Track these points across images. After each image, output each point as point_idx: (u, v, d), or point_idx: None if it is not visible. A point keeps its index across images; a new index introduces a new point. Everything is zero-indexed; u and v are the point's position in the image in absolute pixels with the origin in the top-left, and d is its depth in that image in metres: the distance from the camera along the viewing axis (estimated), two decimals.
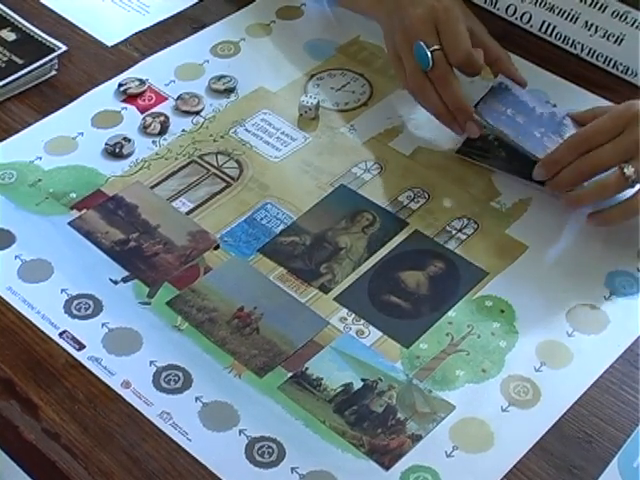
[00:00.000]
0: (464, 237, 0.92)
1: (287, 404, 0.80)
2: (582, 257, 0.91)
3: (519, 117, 0.96)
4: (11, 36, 1.09)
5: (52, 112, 1.03)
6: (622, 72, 1.07)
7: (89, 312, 0.86)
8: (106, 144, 0.99)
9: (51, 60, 1.06)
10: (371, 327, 0.85)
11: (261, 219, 0.93)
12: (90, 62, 1.08)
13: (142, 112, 1.03)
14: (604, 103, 1.01)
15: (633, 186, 0.89)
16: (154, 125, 1.01)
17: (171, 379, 0.81)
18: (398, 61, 0.98)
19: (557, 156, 0.92)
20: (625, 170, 0.88)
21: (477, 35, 0.99)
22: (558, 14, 1.10)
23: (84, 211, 0.94)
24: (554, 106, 1.02)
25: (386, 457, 0.77)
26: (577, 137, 0.92)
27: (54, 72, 1.06)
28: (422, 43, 0.94)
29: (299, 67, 1.09)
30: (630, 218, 0.91)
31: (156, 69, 1.07)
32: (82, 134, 1.01)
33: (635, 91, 1.05)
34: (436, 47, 0.94)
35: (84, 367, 0.82)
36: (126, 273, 0.89)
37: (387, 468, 0.77)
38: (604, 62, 1.08)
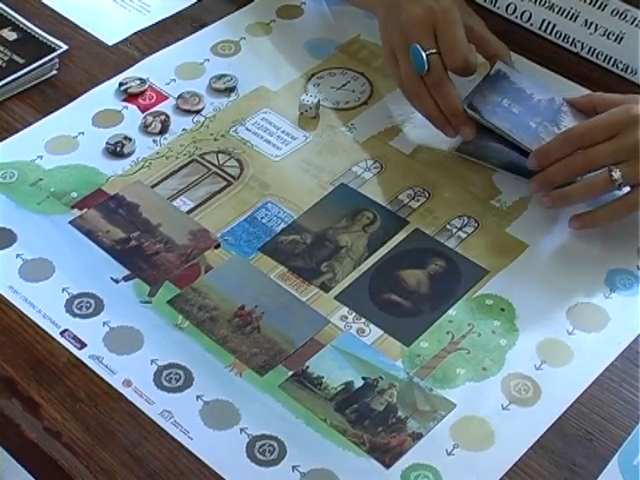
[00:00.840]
0: (464, 235, 0.93)
1: (288, 402, 0.80)
2: (582, 255, 0.91)
3: (515, 107, 0.96)
4: (12, 35, 1.09)
5: (53, 111, 1.03)
6: (622, 70, 1.07)
7: (90, 311, 0.86)
8: (107, 143, 0.99)
9: (52, 59, 1.06)
10: (372, 325, 0.85)
11: (262, 218, 0.93)
12: (91, 61, 1.08)
13: (143, 111, 1.03)
14: None
15: (620, 189, 0.89)
16: (155, 124, 1.02)
17: (172, 378, 0.81)
18: (394, 60, 0.98)
19: (550, 148, 0.92)
20: (613, 173, 0.88)
21: (476, 31, 0.99)
22: (558, 12, 1.10)
23: (85, 210, 0.94)
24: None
25: (387, 455, 0.77)
26: (573, 132, 0.92)
27: (55, 71, 1.06)
28: (418, 46, 0.94)
29: (299, 66, 1.09)
30: (616, 220, 0.91)
31: (156, 68, 1.08)
32: (83, 133, 1.01)
33: (635, 89, 1.05)
34: (432, 51, 0.94)
35: (85, 366, 0.82)
36: (127, 272, 0.89)
37: (388, 466, 0.77)
38: (604, 60, 1.08)
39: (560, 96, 0.98)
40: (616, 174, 0.88)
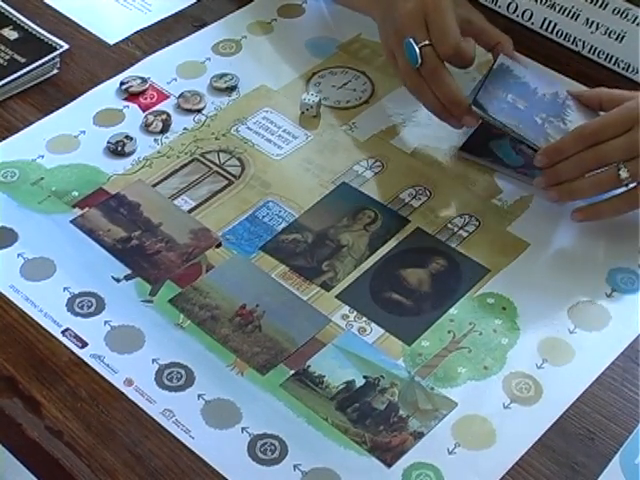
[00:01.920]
0: (465, 234, 0.93)
1: (289, 401, 0.80)
2: (583, 254, 0.91)
3: (520, 102, 0.95)
4: (13, 35, 1.09)
5: (54, 110, 1.03)
6: (623, 69, 1.07)
7: (91, 310, 0.86)
8: (108, 142, 0.99)
9: (53, 59, 1.06)
10: (373, 324, 0.85)
11: (263, 217, 0.93)
12: (92, 60, 1.08)
13: (144, 110, 1.03)
14: None
15: (627, 186, 0.89)
16: (156, 123, 1.02)
17: (173, 377, 0.81)
18: (394, 59, 0.98)
19: (561, 146, 0.91)
20: (620, 172, 0.88)
21: (475, 23, 0.98)
22: (559, 11, 1.10)
23: (86, 209, 0.94)
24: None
25: (388, 454, 0.77)
26: (585, 130, 0.90)
27: (56, 71, 1.06)
28: (411, 40, 0.93)
29: (300, 65, 1.09)
30: (619, 214, 0.91)
31: (158, 67, 1.08)
32: (84, 132, 1.01)
33: (636, 88, 1.05)
34: (425, 42, 0.93)
35: (87, 365, 0.82)
36: (128, 271, 0.89)
37: (389, 465, 0.77)
38: (605, 59, 1.08)
39: (564, 89, 0.98)
40: (624, 173, 0.88)
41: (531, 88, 0.97)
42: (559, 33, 1.11)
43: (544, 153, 0.91)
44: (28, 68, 1.04)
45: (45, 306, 0.86)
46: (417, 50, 0.93)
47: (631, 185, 0.89)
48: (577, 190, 0.91)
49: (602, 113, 0.96)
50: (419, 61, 0.93)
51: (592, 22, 1.08)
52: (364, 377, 0.82)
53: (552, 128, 0.94)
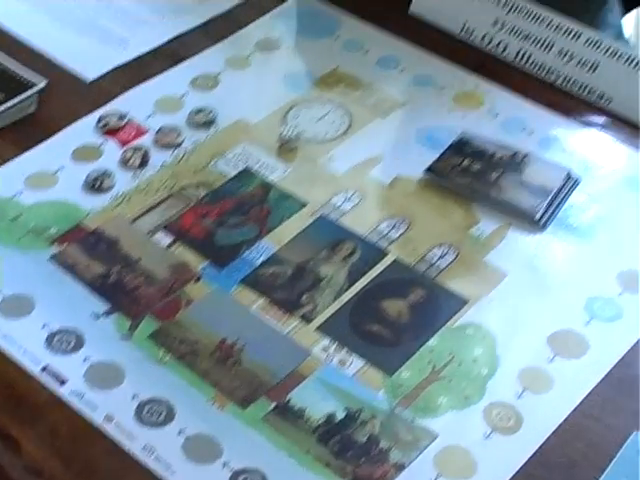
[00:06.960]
0: (444, 265, 0.93)
1: (270, 435, 0.80)
2: (561, 283, 0.92)
3: (476, 165, 0.99)
4: None
5: (32, 147, 1.03)
6: (598, 98, 1.09)
7: (70, 347, 0.85)
8: (86, 178, 0.99)
9: (30, 96, 1.06)
10: (353, 356, 0.85)
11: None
12: (69, 97, 1.09)
13: (122, 145, 1.03)
14: (579, 130, 1.03)
15: None
16: (134, 158, 1.02)
17: (154, 412, 0.81)
18: None
19: None
20: None
21: None
22: (533, 42, 1.11)
23: (65, 245, 0.94)
24: (531, 133, 1.04)
25: None
26: None
27: (33, 109, 1.06)
28: None
29: (278, 98, 1.09)
30: None
31: (136, 102, 1.08)
32: (62, 168, 1.01)
33: (610, 118, 1.06)
34: None
35: (66, 402, 0.82)
36: (107, 307, 0.88)
37: None
38: (579, 89, 1.09)
39: (524, 150, 1.01)
40: None
41: (489, 153, 1.01)
42: (533, 64, 1.12)
43: None
44: (5, 106, 1.04)
45: (24, 343, 0.86)
46: None
47: None
48: None
49: None
50: None
51: (566, 52, 1.09)
52: (345, 409, 0.82)
53: (507, 180, 0.98)
